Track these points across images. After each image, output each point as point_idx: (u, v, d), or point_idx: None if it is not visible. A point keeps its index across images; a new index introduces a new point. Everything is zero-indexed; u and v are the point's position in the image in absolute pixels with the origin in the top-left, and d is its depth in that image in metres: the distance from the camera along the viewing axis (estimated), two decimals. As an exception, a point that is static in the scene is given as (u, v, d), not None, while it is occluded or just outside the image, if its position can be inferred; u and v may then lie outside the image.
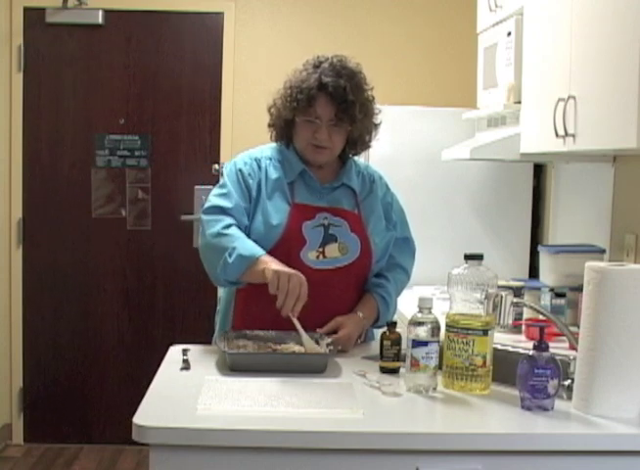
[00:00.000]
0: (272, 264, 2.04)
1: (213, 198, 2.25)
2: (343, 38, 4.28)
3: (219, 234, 2.15)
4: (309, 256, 2.19)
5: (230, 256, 2.09)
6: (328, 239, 2.22)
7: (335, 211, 2.26)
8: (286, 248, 2.18)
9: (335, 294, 2.22)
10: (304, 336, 2.06)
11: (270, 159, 2.29)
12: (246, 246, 2.11)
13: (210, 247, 2.16)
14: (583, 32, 2.37)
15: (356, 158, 2.40)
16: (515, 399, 1.74)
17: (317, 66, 2.22)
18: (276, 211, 2.21)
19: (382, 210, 2.34)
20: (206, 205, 2.25)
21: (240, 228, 2.18)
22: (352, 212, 2.28)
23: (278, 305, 2.00)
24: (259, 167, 2.27)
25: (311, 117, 2.19)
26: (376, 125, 2.31)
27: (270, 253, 2.15)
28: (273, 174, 2.26)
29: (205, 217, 2.21)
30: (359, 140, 2.29)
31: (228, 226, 2.16)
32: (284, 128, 2.28)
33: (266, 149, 2.34)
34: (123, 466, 4.12)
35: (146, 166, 4.38)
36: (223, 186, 2.26)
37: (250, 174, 2.26)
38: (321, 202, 2.26)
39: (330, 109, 2.18)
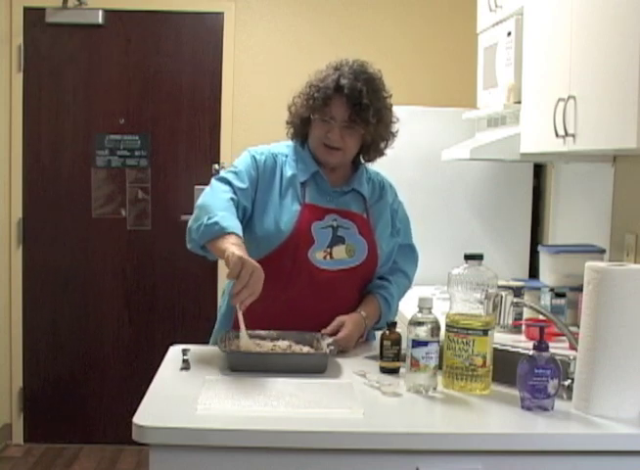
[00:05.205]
0: (235, 248, 1.97)
1: (226, 173, 2.25)
2: (344, 38, 4.29)
3: (220, 198, 2.13)
4: (317, 255, 2.20)
5: (209, 218, 2.06)
6: (336, 240, 2.23)
7: (344, 214, 2.26)
8: (294, 246, 2.18)
9: (339, 295, 2.23)
10: (243, 332, 2.02)
11: (286, 156, 2.30)
12: (228, 218, 2.07)
13: (205, 205, 2.12)
14: (583, 32, 2.37)
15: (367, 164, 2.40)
16: (515, 399, 1.74)
17: (337, 68, 2.24)
18: (287, 210, 2.21)
19: (389, 216, 2.35)
20: (219, 175, 2.25)
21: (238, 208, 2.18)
22: (361, 216, 2.29)
23: (233, 292, 1.93)
24: (276, 162, 2.28)
25: (326, 116, 2.21)
26: (392, 134, 2.31)
27: (279, 250, 2.17)
28: (288, 172, 2.27)
29: (215, 182, 2.21)
30: (373, 146, 2.29)
31: (230, 199, 2.15)
32: (300, 126, 2.30)
33: (281, 146, 2.34)
34: (123, 466, 4.12)
35: (146, 166, 4.39)
36: (235, 167, 2.26)
37: (265, 162, 2.26)
38: (330, 204, 2.27)
39: (344, 110, 2.19)
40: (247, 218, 2.21)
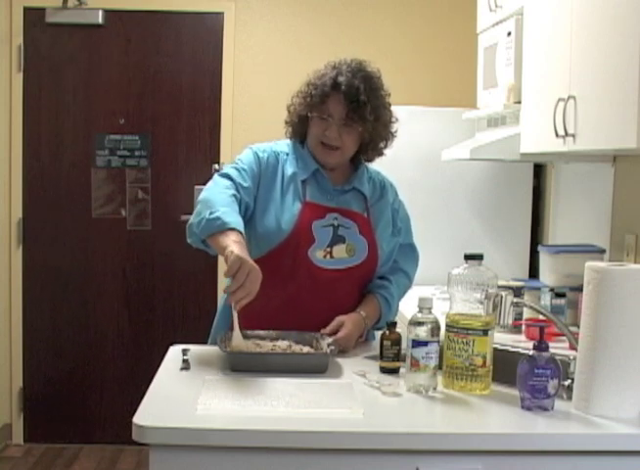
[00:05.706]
0: (235, 246, 1.94)
1: (229, 169, 2.23)
2: (344, 38, 4.29)
3: (222, 194, 2.12)
4: (317, 254, 2.20)
5: (212, 213, 2.04)
6: (336, 240, 2.22)
7: (345, 213, 2.26)
8: (294, 245, 2.18)
9: (339, 294, 2.23)
10: (236, 331, 2.02)
11: (287, 154, 2.30)
12: (230, 214, 2.05)
13: (208, 199, 2.11)
14: (583, 32, 2.37)
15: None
16: (515, 399, 1.74)
17: (336, 67, 2.24)
18: (288, 208, 2.21)
19: (390, 216, 2.35)
20: (222, 171, 2.24)
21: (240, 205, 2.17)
22: (362, 215, 2.29)
23: (228, 290, 1.90)
24: (277, 160, 2.28)
25: (324, 114, 2.21)
26: (391, 133, 2.31)
27: (279, 249, 2.17)
28: (289, 170, 2.26)
29: (218, 178, 2.20)
30: (371, 145, 2.29)
31: (233, 195, 2.14)
32: (298, 125, 2.30)
33: (281, 144, 2.34)
34: (123, 466, 4.12)
35: (146, 166, 4.39)
36: (238, 164, 2.25)
37: (267, 160, 2.26)
38: (331, 203, 2.27)
39: (342, 107, 2.19)
40: (248, 216, 2.20)
